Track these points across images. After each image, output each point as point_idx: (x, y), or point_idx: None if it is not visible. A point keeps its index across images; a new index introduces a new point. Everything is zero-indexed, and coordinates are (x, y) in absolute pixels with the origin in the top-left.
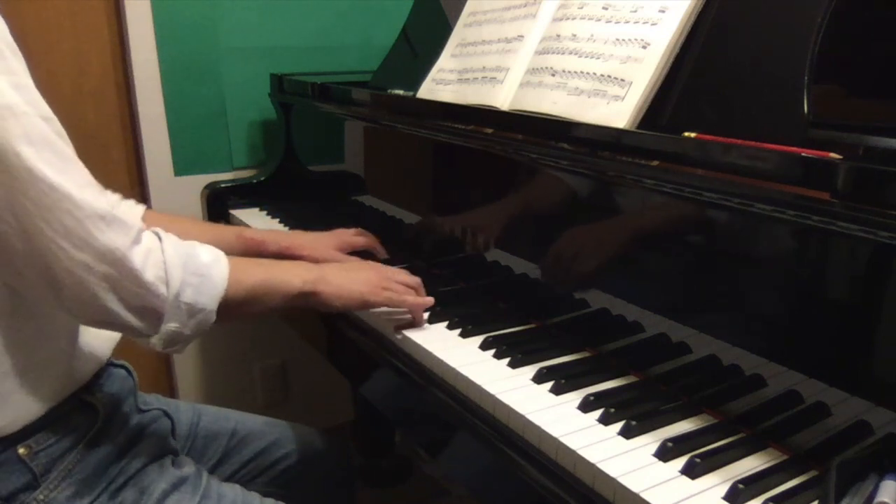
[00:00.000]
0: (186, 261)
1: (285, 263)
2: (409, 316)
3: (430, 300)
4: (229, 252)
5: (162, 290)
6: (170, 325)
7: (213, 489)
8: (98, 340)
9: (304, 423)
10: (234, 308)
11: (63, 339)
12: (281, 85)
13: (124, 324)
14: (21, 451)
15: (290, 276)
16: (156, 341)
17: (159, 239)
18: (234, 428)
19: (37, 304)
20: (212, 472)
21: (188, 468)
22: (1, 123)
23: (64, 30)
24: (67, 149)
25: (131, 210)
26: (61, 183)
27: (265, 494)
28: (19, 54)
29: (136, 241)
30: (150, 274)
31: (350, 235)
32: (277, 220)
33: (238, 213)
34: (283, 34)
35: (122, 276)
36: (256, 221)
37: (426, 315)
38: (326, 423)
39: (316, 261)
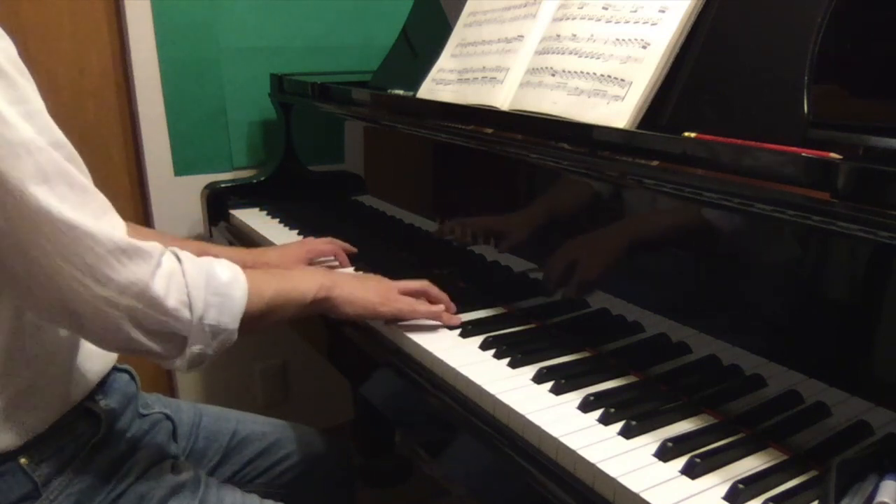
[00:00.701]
0: (208, 281)
1: (297, 272)
2: (433, 322)
3: (440, 308)
4: None
5: (185, 314)
6: (194, 348)
7: (211, 494)
8: (102, 352)
9: (304, 423)
10: (253, 322)
11: (68, 354)
12: (281, 85)
13: (149, 351)
14: (23, 460)
15: (305, 286)
16: (180, 364)
17: (178, 260)
18: (234, 428)
19: (45, 327)
20: (212, 472)
21: (186, 474)
22: (15, 163)
23: (64, 30)
24: (81, 176)
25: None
26: (79, 219)
27: (265, 495)
28: (27, 73)
29: (158, 266)
30: (173, 300)
31: (318, 243)
32: (277, 220)
33: (238, 213)
34: (283, 34)
35: (146, 307)
36: (256, 221)
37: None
38: (326, 423)
39: None
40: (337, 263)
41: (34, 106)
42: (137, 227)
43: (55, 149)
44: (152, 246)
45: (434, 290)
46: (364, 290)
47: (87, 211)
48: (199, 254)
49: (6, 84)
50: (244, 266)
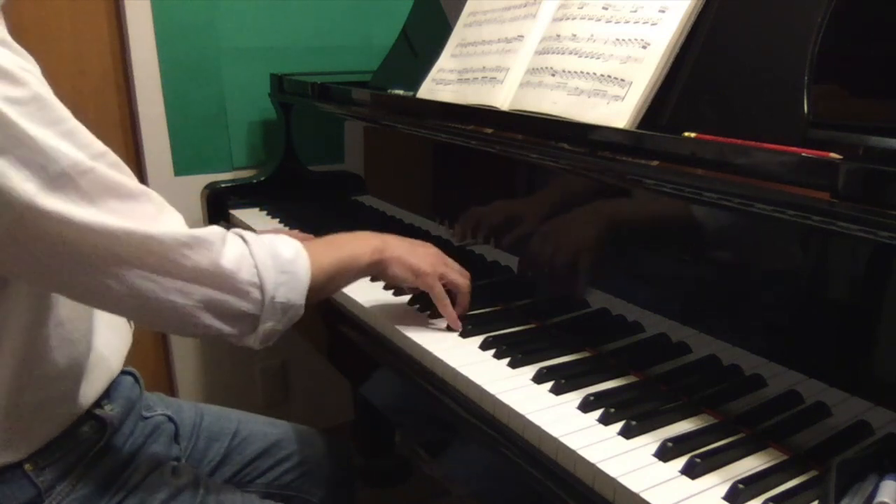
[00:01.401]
0: (274, 260)
1: (347, 237)
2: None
3: (457, 322)
4: None
5: (257, 294)
6: (266, 325)
7: (211, 497)
8: (110, 353)
9: (304, 423)
10: (316, 293)
11: (79, 369)
12: (281, 85)
13: (222, 334)
14: (27, 466)
15: (360, 250)
16: (252, 341)
17: (245, 241)
18: (235, 428)
19: (59, 345)
20: (213, 472)
21: (187, 477)
22: (59, 193)
23: (64, 30)
24: (127, 180)
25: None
26: (133, 228)
27: (265, 495)
28: (47, 85)
29: (223, 248)
30: (245, 280)
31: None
32: (277, 220)
33: (238, 213)
34: (283, 34)
35: (219, 290)
36: (256, 221)
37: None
38: (326, 423)
39: None
40: None
41: (70, 124)
42: None
43: (97, 160)
44: (213, 231)
45: (467, 296)
46: (413, 255)
47: (141, 215)
48: None
49: (41, 106)
50: None
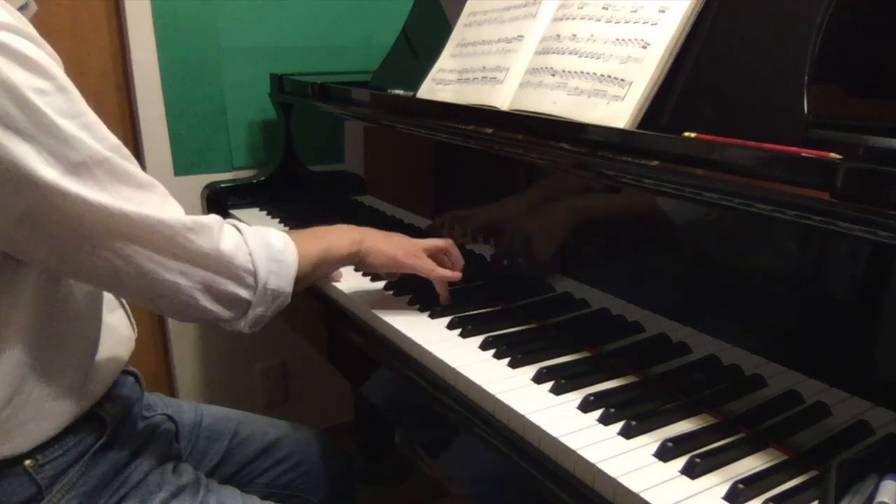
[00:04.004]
0: (266, 249)
1: (328, 229)
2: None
3: (458, 275)
4: None
5: (250, 280)
6: (257, 310)
7: (212, 496)
8: (114, 353)
9: (304, 423)
10: (301, 282)
11: (82, 369)
12: (281, 85)
13: (217, 317)
14: (27, 463)
15: (341, 241)
16: (243, 325)
17: (239, 231)
18: (235, 428)
19: (64, 344)
20: (213, 472)
21: (187, 476)
22: (78, 179)
23: (64, 30)
24: (137, 170)
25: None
26: (145, 211)
27: (265, 495)
28: (73, 86)
29: (221, 234)
30: (240, 266)
31: None
32: (277, 220)
33: (238, 213)
34: (283, 34)
35: (217, 272)
36: (256, 221)
37: (428, 312)
38: (326, 423)
39: None
40: None
41: (90, 117)
42: None
43: (113, 152)
44: (212, 218)
45: (455, 251)
46: (390, 245)
47: (151, 202)
48: None
49: (66, 99)
50: None
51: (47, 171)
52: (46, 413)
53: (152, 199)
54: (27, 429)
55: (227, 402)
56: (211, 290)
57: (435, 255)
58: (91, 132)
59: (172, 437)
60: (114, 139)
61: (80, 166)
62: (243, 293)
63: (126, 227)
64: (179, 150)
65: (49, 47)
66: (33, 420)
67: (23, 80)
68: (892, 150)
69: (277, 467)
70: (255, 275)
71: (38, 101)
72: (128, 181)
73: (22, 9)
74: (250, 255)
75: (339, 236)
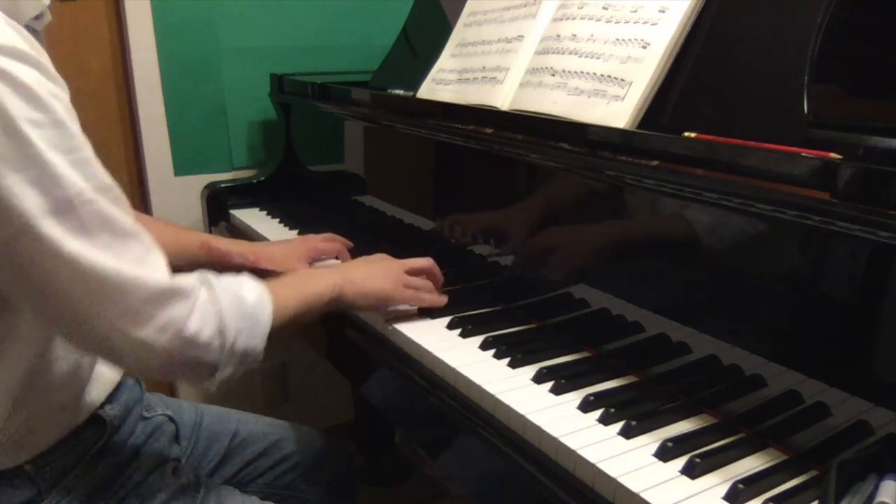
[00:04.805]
0: (237, 306)
1: (310, 274)
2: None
3: (444, 300)
4: (193, 261)
5: (216, 344)
6: (225, 372)
7: (212, 497)
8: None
9: (304, 423)
10: (276, 335)
11: (84, 379)
12: (281, 85)
13: (180, 378)
14: (27, 465)
15: (320, 287)
16: (208, 385)
17: (211, 286)
18: (235, 429)
19: (66, 357)
20: (213, 472)
21: (187, 477)
22: (55, 222)
23: (64, 30)
24: (125, 219)
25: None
26: (119, 267)
27: (265, 496)
28: (75, 116)
29: (195, 303)
30: (206, 335)
31: (318, 241)
32: (277, 220)
33: (238, 213)
34: (283, 34)
35: (181, 346)
36: (256, 221)
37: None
38: (326, 423)
39: (279, 274)
40: (340, 261)
41: (85, 153)
42: (139, 215)
43: (101, 193)
44: (190, 284)
45: (436, 270)
46: (373, 280)
47: (129, 256)
48: (203, 247)
49: (61, 134)
50: (246, 261)
51: (29, 205)
52: (49, 423)
53: (133, 250)
54: (31, 440)
55: (227, 402)
56: (174, 358)
57: (417, 275)
58: (82, 170)
59: (172, 438)
60: (106, 179)
61: (65, 204)
62: (209, 358)
63: (97, 281)
64: (179, 150)
65: (54, 74)
66: (37, 432)
67: (18, 110)
68: (892, 150)
69: (277, 467)
70: (222, 337)
71: (32, 133)
72: (111, 228)
73: (37, 18)
74: (220, 314)
75: (317, 279)
